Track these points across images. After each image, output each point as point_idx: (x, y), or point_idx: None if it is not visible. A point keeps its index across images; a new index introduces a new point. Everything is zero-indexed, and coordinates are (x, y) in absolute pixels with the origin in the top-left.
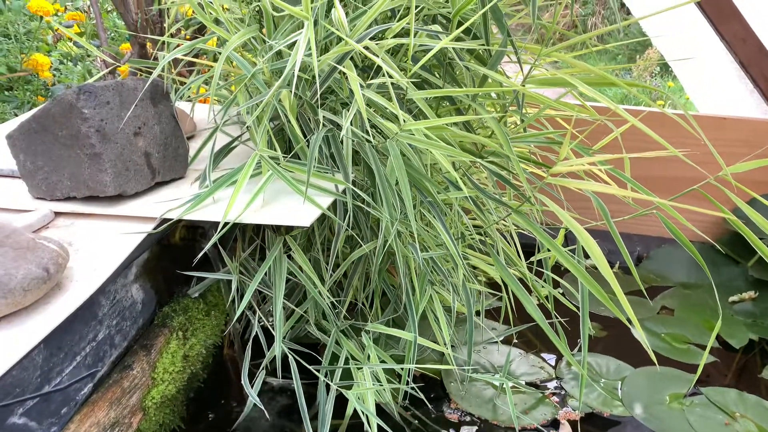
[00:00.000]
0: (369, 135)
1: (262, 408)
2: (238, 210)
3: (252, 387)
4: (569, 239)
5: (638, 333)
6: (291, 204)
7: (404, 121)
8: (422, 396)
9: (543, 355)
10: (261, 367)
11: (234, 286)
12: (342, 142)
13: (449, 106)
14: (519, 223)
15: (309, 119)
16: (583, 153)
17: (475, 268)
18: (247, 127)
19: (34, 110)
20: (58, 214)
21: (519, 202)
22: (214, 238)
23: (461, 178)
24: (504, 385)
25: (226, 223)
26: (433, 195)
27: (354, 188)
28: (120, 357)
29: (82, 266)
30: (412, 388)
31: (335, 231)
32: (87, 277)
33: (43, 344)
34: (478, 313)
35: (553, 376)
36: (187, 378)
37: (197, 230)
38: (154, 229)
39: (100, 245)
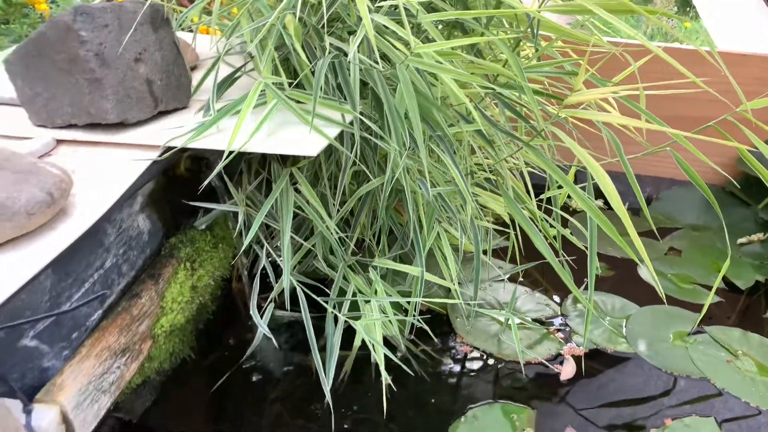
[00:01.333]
0: (377, 63)
1: (271, 337)
2: (243, 139)
3: (261, 319)
4: (579, 179)
5: (646, 272)
6: (297, 134)
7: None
8: (428, 330)
9: (549, 293)
10: (269, 300)
11: (240, 218)
12: (349, 70)
13: (461, 36)
14: (530, 160)
15: (315, 47)
16: (599, 85)
17: (483, 207)
18: (251, 56)
19: (31, 33)
20: (60, 141)
21: (531, 137)
22: (219, 167)
23: (473, 111)
24: (509, 321)
25: (231, 152)
26: (443, 127)
27: (362, 118)
28: (128, 286)
29: (87, 193)
30: (419, 321)
31: (342, 166)
32: (92, 204)
33: (50, 269)
34: (485, 252)
35: (559, 313)
36: (195, 308)
37: (202, 161)
38: (159, 157)
39: (104, 173)
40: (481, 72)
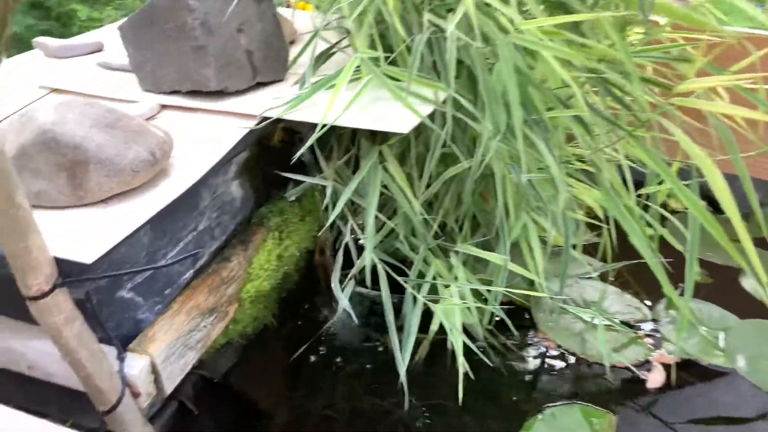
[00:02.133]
0: (476, 40)
1: (351, 312)
2: (336, 113)
3: (341, 293)
4: (681, 177)
5: (751, 282)
6: (389, 111)
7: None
8: (509, 322)
9: (639, 296)
10: (350, 276)
11: (329, 193)
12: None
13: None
14: (631, 152)
15: (412, 23)
16: (713, 74)
17: (575, 200)
18: (348, 31)
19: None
20: (164, 107)
21: (634, 127)
22: (312, 139)
23: (572, 98)
24: (595, 320)
25: (324, 126)
26: (540, 111)
27: (457, 96)
28: (219, 249)
29: (186, 157)
30: (499, 312)
31: (430, 147)
32: (190, 167)
33: (149, 226)
34: (574, 247)
35: (649, 317)
36: (281, 277)
37: (295, 134)
38: (255, 126)
39: (203, 138)
40: (584, 55)
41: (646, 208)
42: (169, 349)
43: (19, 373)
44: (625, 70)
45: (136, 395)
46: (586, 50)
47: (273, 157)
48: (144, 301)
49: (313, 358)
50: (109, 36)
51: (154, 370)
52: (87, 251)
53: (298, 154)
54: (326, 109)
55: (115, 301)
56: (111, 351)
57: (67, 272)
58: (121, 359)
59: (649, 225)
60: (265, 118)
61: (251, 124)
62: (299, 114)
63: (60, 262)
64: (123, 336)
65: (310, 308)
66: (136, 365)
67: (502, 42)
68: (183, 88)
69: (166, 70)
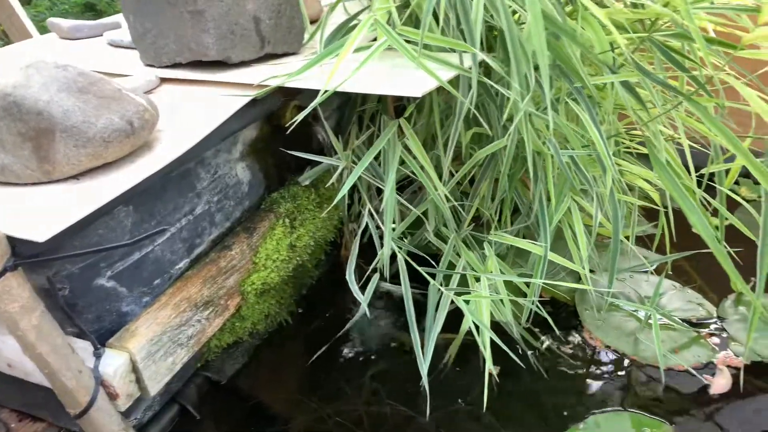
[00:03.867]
0: None
1: (366, 309)
2: (341, 79)
3: (365, 291)
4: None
5: None
6: (406, 76)
7: None
8: (550, 320)
9: (703, 291)
10: (371, 268)
11: (338, 171)
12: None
13: None
14: (692, 125)
15: None
16: None
17: (629, 185)
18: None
19: None
20: (164, 80)
21: (694, 90)
22: (314, 103)
23: (625, 61)
24: (650, 318)
25: (326, 92)
26: (581, 76)
27: (484, 56)
28: (221, 237)
29: (175, 131)
30: (538, 308)
31: (455, 118)
32: (178, 142)
33: (131, 207)
34: (627, 237)
35: (714, 315)
36: (292, 269)
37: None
38: (254, 96)
39: (196, 111)
40: (635, 17)
41: (710, 193)
42: (152, 345)
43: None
44: (683, 29)
45: (113, 396)
46: (636, 14)
47: (287, 139)
48: (128, 291)
49: (333, 360)
50: None
51: (134, 369)
52: (42, 229)
53: (293, 122)
54: (331, 72)
55: (92, 290)
56: (87, 346)
57: (25, 254)
58: (97, 356)
59: (714, 213)
60: (269, 90)
61: (250, 94)
62: (301, 81)
63: (14, 242)
64: (105, 330)
65: (334, 307)
66: (112, 363)
67: None
68: (183, 59)
69: (165, 39)
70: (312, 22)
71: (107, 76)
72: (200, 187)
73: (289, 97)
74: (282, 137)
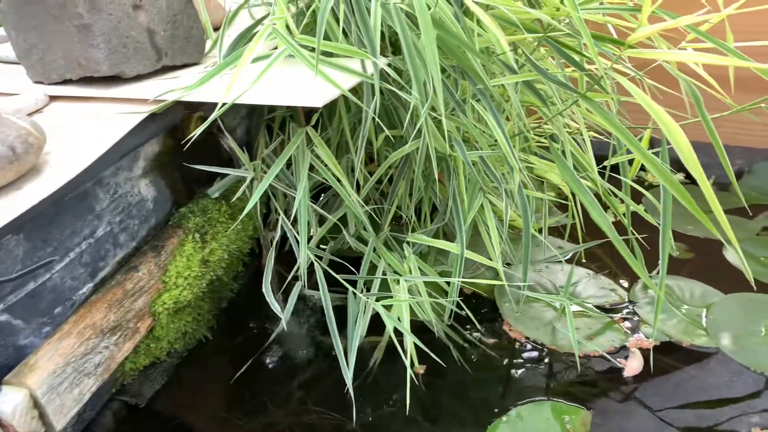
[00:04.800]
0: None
1: (282, 317)
2: (242, 89)
3: (287, 300)
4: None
5: (733, 254)
6: (308, 86)
7: None
8: (471, 315)
9: (616, 278)
10: (290, 277)
11: (246, 183)
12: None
13: None
14: (591, 119)
15: None
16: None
17: (541, 181)
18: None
19: None
20: (53, 98)
21: (589, 87)
22: (212, 117)
23: (524, 61)
24: (565, 307)
25: (224, 105)
26: (482, 78)
27: (386, 68)
28: (127, 258)
29: (66, 152)
30: (459, 305)
31: (362, 122)
32: (69, 164)
33: (22, 235)
34: (540, 230)
35: (626, 300)
36: (207, 284)
37: (214, 123)
38: (153, 110)
39: (89, 130)
40: (530, 18)
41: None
42: (55, 378)
43: None
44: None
45: None
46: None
47: (192, 152)
48: (25, 323)
49: (258, 373)
50: None
51: (36, 405)
52: None
53: (195, 133)
54: (228, 84)
55: None
56: None
57: None
58: None
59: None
60: (166, 105)
61: (147, 109)
62: (199, 94)
63: None
64: (2, 366)
65: (257, 318)
66: (10, 401)
67: None
68: (73, 75)
69: (53, 55)
70: (216, 29)
71: None
72: (99, 209)
73: (192, 109)
74: (187, 150)
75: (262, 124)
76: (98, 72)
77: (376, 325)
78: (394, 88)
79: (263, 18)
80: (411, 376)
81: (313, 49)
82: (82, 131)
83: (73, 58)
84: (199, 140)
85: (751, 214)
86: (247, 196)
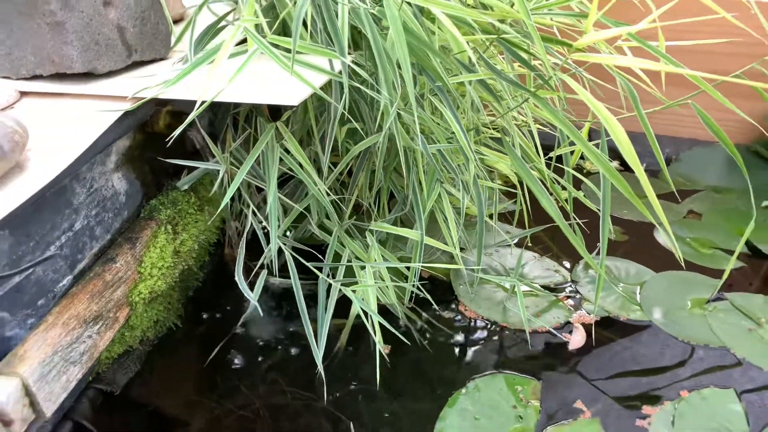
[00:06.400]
0: (365, 1)
1: (257, 305)
2: (218, 88)
3: (254, 288)
4: (593, 138)
5: (664, 236)
6: (281, 84)
7: None
8: (429, 298)
9: (559, 259)
10: (258, 266)
11: (220, 177)
12: (337, 13)
13: None
14: (539, 114)
15: None
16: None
17: (491, 171)
18: (236, 2)
19: None
20: (24, 94)
21: (538, 86)
22: (190, 118)
23: (477, 61)
24: (515, 287)
25: (203, 103)
26: (441, 77)
27: (352, 65)
28: (103, 250)
29: (47, 148)
30: (418, 288)
31: (330, 119)
32: (51, 160)
33: (7, 231)
34: (491, 216)
35: (569, 279)
36: (178, 274)
37: (182, 117)
38: (130, 108)
39: (67, 127)
40: (485, 20)
41: (562, 173)
42: (44, 366)
43: None
44: (522, 30)
45: (7, 423)
46: (484, 14)
47: (161, 145)
48: (11, 316)
49: (228, 358)
50: None
51: (27, 393)
52: None
53: (175, 135)
54: (205, 84)
55: None
56: None
57: None
58: None
59: (564, 187)
60: (140, 99)
61: (125, 106)
62: (176, 92)
63: None
64: None
65: (223, 305)
66: (3, 389)
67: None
68: (45, 71)
69: (22, 51)
70: (174, 22)
71: None
72: (77, 203)
73: (162, 104)
74: (156, 143)
75: (227, 118)
76: (71, 69)
77: (340, 307)
78: (357, 84)
79: (227, 13)
80: (380, 353)
81: (283, 48)
82: (60, 128)
83: (45, 54)
84: (167, 134)
85: (679, 198)
86: (217, 189)
